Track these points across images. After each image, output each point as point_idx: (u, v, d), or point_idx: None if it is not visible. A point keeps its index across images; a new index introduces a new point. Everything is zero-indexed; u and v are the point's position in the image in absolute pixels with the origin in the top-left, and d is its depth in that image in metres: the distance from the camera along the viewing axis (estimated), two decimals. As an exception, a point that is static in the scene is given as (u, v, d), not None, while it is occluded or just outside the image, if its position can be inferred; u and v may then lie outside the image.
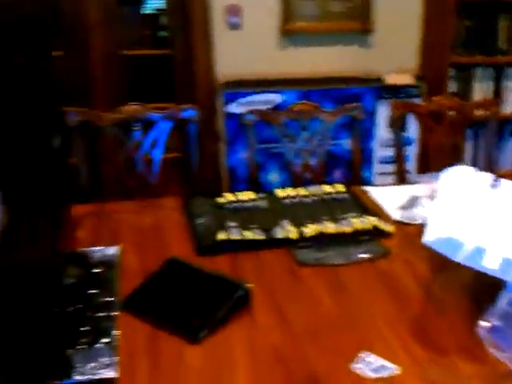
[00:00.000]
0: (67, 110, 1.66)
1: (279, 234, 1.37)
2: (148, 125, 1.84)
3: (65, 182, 1.28)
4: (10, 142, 0.88)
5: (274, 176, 2.76)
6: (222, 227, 1.40)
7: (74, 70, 2.74)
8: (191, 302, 1.12)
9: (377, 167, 2.86)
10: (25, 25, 1.00)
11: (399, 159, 1.98)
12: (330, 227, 1.40)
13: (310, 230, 1.38)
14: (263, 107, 2.37)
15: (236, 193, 1.63)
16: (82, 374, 0.96)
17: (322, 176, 1.93)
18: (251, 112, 1.87)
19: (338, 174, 2.76)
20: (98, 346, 1.01)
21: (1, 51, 0.85)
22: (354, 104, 1.96)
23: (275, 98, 2.70)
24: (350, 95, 2.78)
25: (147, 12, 4.53)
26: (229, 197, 1.60)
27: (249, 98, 2.69)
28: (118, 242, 1.34)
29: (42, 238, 1.05)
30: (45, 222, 1.08)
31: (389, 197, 1.63)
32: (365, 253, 1.32)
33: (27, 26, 1.01)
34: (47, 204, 1.11)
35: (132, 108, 1.84)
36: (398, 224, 1.47)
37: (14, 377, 0.85)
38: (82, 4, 2.77)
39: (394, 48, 2.93)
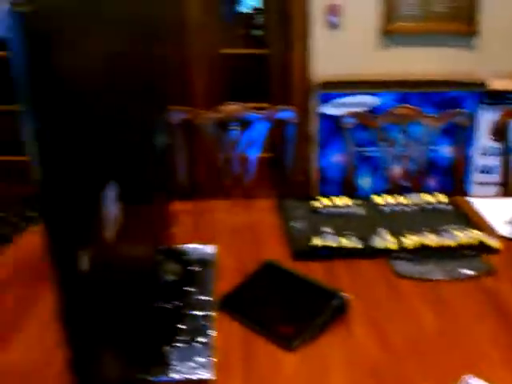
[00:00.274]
0: (170, 108, 1.70)
1: (377, 243, 1.33)
2: (246, 124, 1.85)
3: (168, 179, 1.30)
4: (125, 140, 0.90)
5: (365, 180, 2.70)
6: (317, 232, 1.38)
7: (174, 68, 2.81)
8: (287, 308, 1.11)
9: (476, 176, 2.73)
10: (138, 25, 1.02)
11: (505, 169, 1.86)
12: (431, 239, 1.34)
13: (411, 241, 1.33)
14: (358, 109, 2.31)
15: (331, 197, 1.60)
16: (178, 372, 0.97)
17: (421, 184, 1.86)
18: (350, 114, 1.83)
19: (433, 181, 2.66)
20: (194, 344, 1.02)
21: (117, 52, 0.88)
22: (460, 110, 1.87)
23: (371, 100, 2.64)
24: (450, 99, 2.66)
25: (242, 11, 4.58)
26: (323, 201, 1.57)
27: (344, 100, 2.65)
28: (214, 241, 1.35)
29: (147, 234, 1.07)
30: (150, 218, 1.10)
31: (494, 209, 1.53)
32: (469, 269, 1.25)
33: (140, 26, 1.03)
34: (154, 201, 1.14)
35: (231, 107, 1.86)
36: (505, 240, 1.38)
37: (112, 370, 0.86)
38: (184, 3, 2.83)
39: (500, 51, 2.78)
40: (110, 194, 0.78)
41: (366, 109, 2.55)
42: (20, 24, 0.55)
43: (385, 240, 1.34)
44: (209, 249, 1.31)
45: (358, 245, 1.32)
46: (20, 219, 3.30)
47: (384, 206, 1.54)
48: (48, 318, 1.07)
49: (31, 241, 1.40)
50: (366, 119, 1.86)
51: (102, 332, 0.81)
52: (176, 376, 0.96)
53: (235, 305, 1.11)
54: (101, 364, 0.80)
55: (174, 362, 0.99)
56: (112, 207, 0.79)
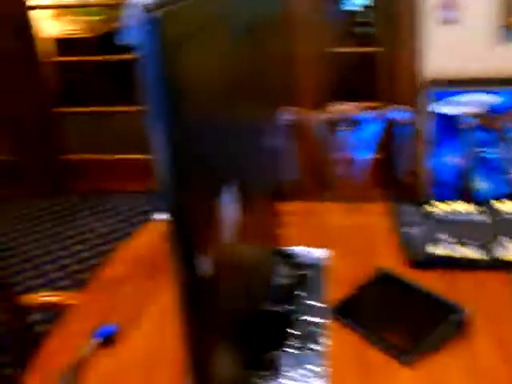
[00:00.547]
0: (279, 108, 1.69)
1: (502, 253, 1.23)
2: (356, 124, 1.80)
3: (278, 179, 1.29)
4: (242, 141, 0.90)
5: (482, 184, 2.54)
6: (434, 240, 1.30)
7: (283, 67, 2.80)
8: (403, 319, 1.06)
9: None
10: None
11: None
12: None
13: (540, 252, 1.22)
14: (476, 108, 2.18)
15: (447, 202, 1.51)
16: (290, 379, 0.95)
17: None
18: (470, 114, 1.72)
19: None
20: (305, 351, 1.00)
21: (237, 53, 0.87)
22: None
23: (490, 98, 2.47)
24: None
25: (346, 9, 4.50)
26: (439, 205, 1.49)
27: (460, 98, 2.50)
28: (324, 245, 1.32)
29: (260, 236, 1.06)
30: (262, 220, 1.09)
31: None
32: None
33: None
34: (266, 202, 1.13)
35: (340, 107, 1.81)
36: None
37: (224, 370, 0.86)
38: (290, 1, 2.81)
39: None
40: (228, 196, 0.78)
41: (483, 107, 2.39)
42: (152, 29, 0.56)
43: (509, 250, 1.23)
44: (321, 252, 1.28)
45: (481, 255, 1.23)
46: (137, 214, 3.47)
47: (507, 213, 1.43)
48: (166, 312, 1.09)
49: (149, 236, 1.45)
50: (487, 119, 1.74)
51: (218, 332, 0.81)
52: (287, 382, 0.94)
53: (349, 312, 1.07)
54: (215, 362, 0.80)
55: (285, 368, 0.97)
56: (230, 209, 0.79)
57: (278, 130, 1.64)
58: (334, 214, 1.52)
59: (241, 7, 0.90)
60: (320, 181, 1.78)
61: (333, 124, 1.81)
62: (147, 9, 0.56)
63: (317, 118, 1.80)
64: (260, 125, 1.08)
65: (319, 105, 1.85)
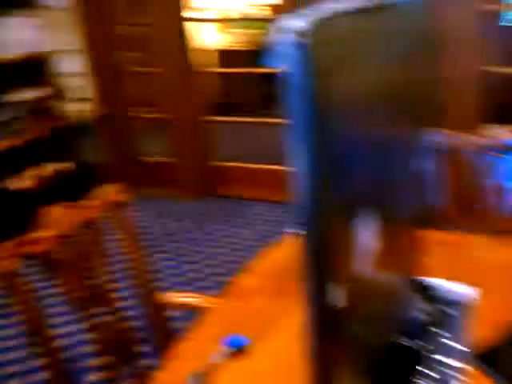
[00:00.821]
0: (426, 129, 1.61)
1: None
2: (511, 151, 1.66)
3: (421, 205, 1.22)
4: (384, 163, 0.86)
5: None
6: None
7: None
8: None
9: None
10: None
11: None
12: None
13: None
14: None
15: None
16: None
17: None
18: None
19: None
20: (436, 394, 0.93)
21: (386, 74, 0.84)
22: None
23: None
24: None
25: (505, 25, 4.21)
26: None
27: None
28: (468, 280, 1.22)
29: (399, 264, 1.01)
30: (402, 247, 1.04)
31: None
32: None
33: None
34: (406, 228, 1.07)
35: (494, 131, 1.69)
36: None
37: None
38: (442, 17, 2.69)
39: None
40: (366, 220, 0.75)
41: None
42: (303, 54, 0.56)
43: None
44: (463, 289, 1.19)
45: None
46: (275, 224, 3.53)
47: None
48: (295, 331, 1.08)
49: (287, 249, 1.44)
50: None
51: (346, 361, 0.78)
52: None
53: (494, 361, 0.97)
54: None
55: (413, 409, 0.91)
56: (366, 234, 0.75)
57: (425, 152, 1.57)
58: (481, 247, 1.40)
59: (392, 26, 0.87)
60: (467, 210, 1.66)
61: (485, 149, 1.69)
62: (298, 33, 0.55)
63: (468, 141, 1.69)
64: (405, 147, 1.04)
65: (471, 128, 1.73)
